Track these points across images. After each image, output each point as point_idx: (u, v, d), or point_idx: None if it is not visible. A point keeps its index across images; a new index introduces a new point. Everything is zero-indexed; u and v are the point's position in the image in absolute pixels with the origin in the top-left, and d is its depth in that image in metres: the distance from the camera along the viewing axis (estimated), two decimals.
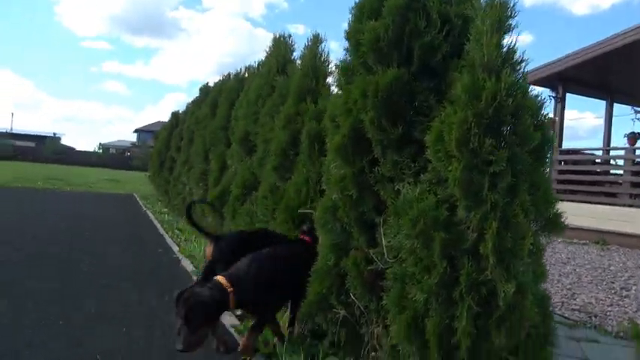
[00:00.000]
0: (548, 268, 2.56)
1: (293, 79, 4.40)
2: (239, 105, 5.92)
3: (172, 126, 12.07)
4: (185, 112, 10.96)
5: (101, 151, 45.67)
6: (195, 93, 9.39)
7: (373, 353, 2.62)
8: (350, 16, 2.91)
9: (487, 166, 2.07)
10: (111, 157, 45.71)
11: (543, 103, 2.35)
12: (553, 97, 11.97)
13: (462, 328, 2.04)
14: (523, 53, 2.17)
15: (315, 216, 2.98)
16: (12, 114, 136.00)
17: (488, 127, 2.08)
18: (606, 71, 11.86)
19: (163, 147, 12.46)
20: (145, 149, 26.97)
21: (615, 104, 13.36)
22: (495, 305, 2.03)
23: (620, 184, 10.54)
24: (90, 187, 16.48)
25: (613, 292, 5.16)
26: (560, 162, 11.53)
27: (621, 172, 10.79)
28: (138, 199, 12.86)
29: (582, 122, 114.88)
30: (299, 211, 3.57)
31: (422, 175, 2.38)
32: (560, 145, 11.76)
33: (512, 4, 2.14)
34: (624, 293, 5.12)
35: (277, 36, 5.40)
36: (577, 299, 4.74)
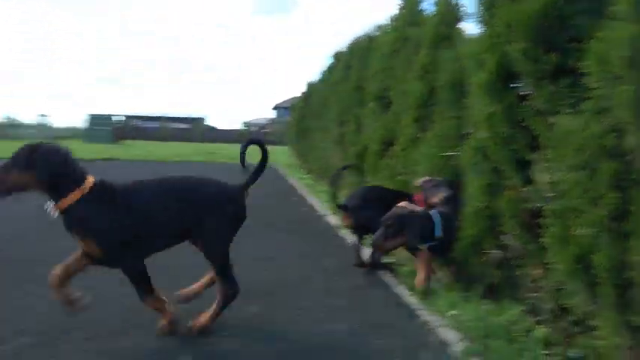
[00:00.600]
0: None
1: (427, 28, 4.30)
2: (373, 62, 5.92)
3: (308, 96, 12.46)
4: (320, 80, 11.22)
5: (246, 128, 49.08)
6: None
7: (532, 294, 2.54)
8: None
9: None
10: (251, 134, 48.80)
11: None
12: None
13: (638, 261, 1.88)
14: None
15: (462, 158, 2.93)
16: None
17: None
18: None
19: (300, 117, 12.96)
20: (281, 125, 28.30)
21: None
22: None
23: None
24: (234, 159, 17.59)
25: None
26: None
27: None
28: (278, 168, 13.59)
29: None
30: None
31: (580, 106, 2.20)
32: None
33: None
34: None
35: None
36: None
